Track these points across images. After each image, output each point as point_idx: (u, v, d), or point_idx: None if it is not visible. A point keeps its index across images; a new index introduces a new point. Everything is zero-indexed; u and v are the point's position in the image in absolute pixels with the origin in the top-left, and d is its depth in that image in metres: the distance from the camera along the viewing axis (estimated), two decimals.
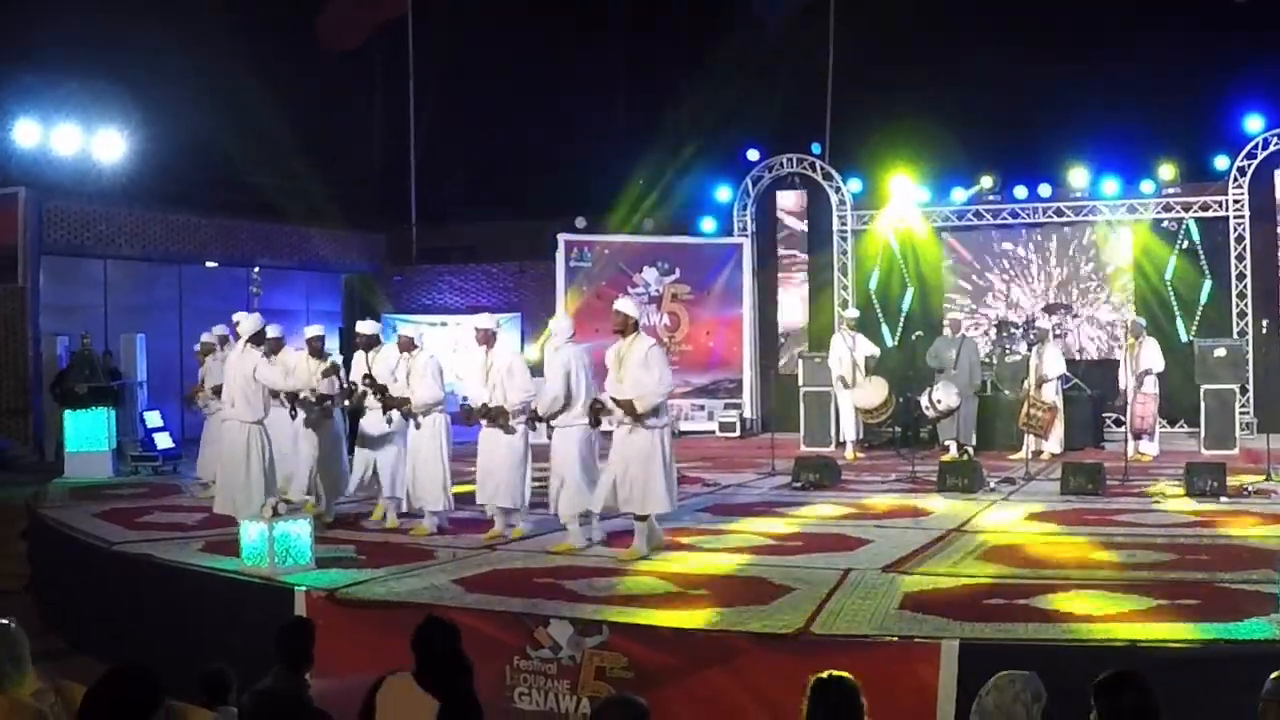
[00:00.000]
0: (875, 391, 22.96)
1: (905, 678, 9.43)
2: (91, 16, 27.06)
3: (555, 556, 13.73)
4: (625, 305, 14.45)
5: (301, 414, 16.71)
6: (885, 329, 28.64)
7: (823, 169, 29.39)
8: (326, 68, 30.29)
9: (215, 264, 30.54)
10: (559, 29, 33.67)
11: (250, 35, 27.54)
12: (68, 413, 22.86)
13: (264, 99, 27.61)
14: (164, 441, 24.10)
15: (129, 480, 22.01)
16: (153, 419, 24.59)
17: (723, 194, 29.97)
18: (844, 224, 29.43)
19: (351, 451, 17.39)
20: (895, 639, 9.88)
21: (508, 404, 15.02)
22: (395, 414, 16.15)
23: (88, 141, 27.47)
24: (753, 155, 29.82)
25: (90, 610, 14.86)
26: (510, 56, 32.85)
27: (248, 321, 15.85)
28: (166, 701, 6.41)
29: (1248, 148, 26.36)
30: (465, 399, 16.04)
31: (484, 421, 15.19)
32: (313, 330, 17.78)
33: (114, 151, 27.87)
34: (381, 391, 16.13)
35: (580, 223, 29.94)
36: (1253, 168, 26.40)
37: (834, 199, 29.32)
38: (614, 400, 13.85)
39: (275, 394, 16.22)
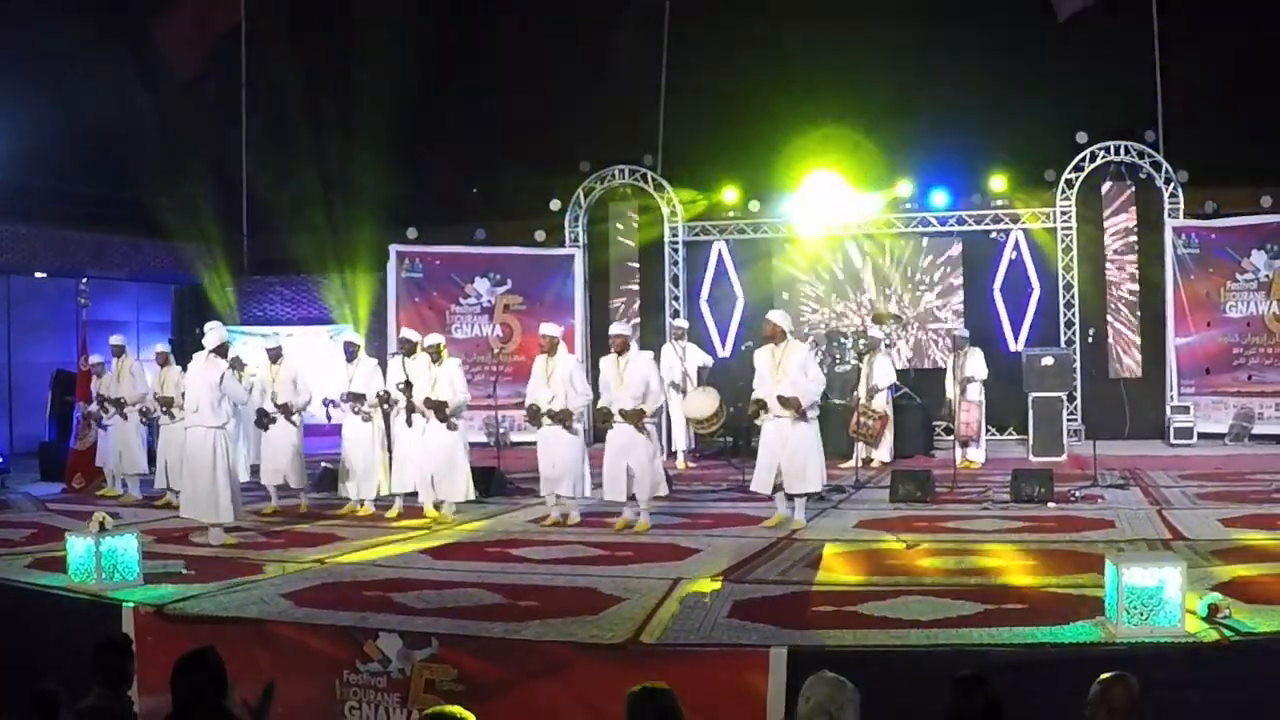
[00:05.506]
0: (706, 402, 22.95)
1: (734, 686, 9.49)
2: None
3: (382, 569, 13.69)
4: (778, 317, 16.60)
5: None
6: (716, 339, 28.76)
7: (654, 180, 29.43)
8: (159, 77, 29.86)
9: (45, 275, 29.98)
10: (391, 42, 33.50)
11: (83, 41, 27.02)
12: None
13: (95, 107, 27.14)
14: None
15: None
16: None
17: (555, 205, 29.87)
18: (675, 235, 29.49)
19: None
20: (724, 647, 9.95)
21: (571, 405, 16.71)
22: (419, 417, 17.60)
23: None
24: (584, 166, 29.78)
25: None
26: (343, 68, 32.64)
27: (212, 334, 16.19)
28: None
29: (1076, 160, 26.91)
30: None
31: (547, 421, 16.78)
32: (349, 337, 19.44)
33: None
34: (408, 392, 17.46)
35: (412, 233, 29.81)
36: (1080, 179, 26.95)
37: (665, 210, 29.39)
38: (780, 398, 15.93)
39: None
